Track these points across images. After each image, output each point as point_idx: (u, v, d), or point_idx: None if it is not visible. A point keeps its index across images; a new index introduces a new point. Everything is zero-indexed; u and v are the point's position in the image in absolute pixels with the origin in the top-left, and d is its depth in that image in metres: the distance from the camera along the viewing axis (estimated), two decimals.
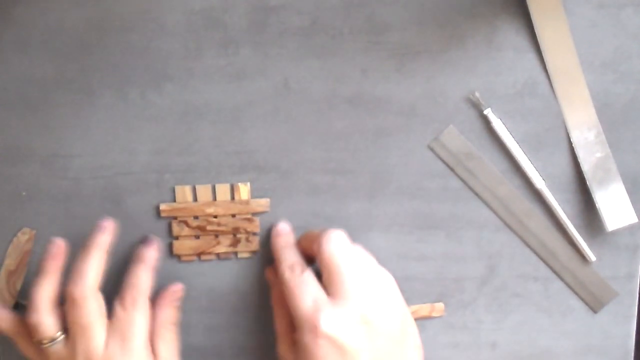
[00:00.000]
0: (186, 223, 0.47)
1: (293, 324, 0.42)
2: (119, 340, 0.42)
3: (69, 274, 0.43)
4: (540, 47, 0.45)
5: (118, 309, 0.43)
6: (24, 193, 0.47)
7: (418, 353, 0.42)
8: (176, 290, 0.46)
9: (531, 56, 0.45)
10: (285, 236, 0.46)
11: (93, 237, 0.44)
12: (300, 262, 0.43)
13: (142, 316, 0.43)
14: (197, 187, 0.47)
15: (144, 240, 0.46)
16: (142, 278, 0.44)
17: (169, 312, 0.46)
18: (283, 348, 0.43)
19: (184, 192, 0.46)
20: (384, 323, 0.40)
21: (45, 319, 0.42)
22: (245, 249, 0.47)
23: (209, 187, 0.47)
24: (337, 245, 0.42)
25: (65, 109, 0.46)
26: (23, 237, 0.47)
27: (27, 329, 0.43)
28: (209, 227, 0.47)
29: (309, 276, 0.42)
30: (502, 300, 0.48)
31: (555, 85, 0.45)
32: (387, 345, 0.40)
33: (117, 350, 0.42)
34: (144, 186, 0.47)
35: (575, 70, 0.45)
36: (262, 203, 0.47)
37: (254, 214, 0.47)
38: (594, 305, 0.48)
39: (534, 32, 0.44)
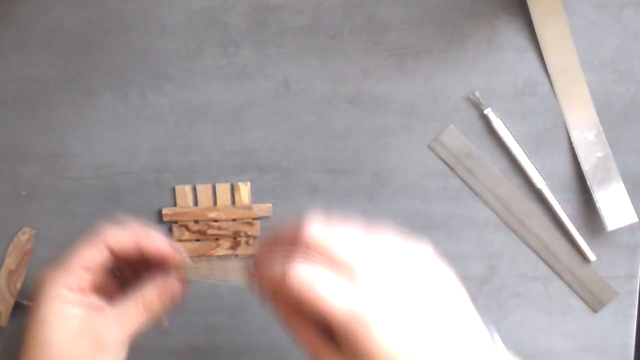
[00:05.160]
0: (187, 227, 0.47)
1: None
2: None
3: None
4: (540, 47, 0.45)
5: None
6: (24, 193, 0.47)
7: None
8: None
9: (531, 56, 0.45)
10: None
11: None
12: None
13: None
14: (197, 186, 0.47)
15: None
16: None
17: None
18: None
19: (184, 192, 0.46)
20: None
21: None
22: (245, 252, 0.47)
23: (209, 186, 0.47)
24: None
25: (65, 109, 0.46)
26: (23, 236, 0.47)
27: None
28: (209, 232, 0.47)
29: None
30: (502, 300, 0.48)
31: (555, 85, 0.45)
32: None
33: None
34: (144, 186, 0.47)
35: (575, 70, 0.45)
36: (264, 208, 0.47)
37: (256, 218, 0.47)
38: (594, 305, 0.48)
39: (534, 32, 0.44)
